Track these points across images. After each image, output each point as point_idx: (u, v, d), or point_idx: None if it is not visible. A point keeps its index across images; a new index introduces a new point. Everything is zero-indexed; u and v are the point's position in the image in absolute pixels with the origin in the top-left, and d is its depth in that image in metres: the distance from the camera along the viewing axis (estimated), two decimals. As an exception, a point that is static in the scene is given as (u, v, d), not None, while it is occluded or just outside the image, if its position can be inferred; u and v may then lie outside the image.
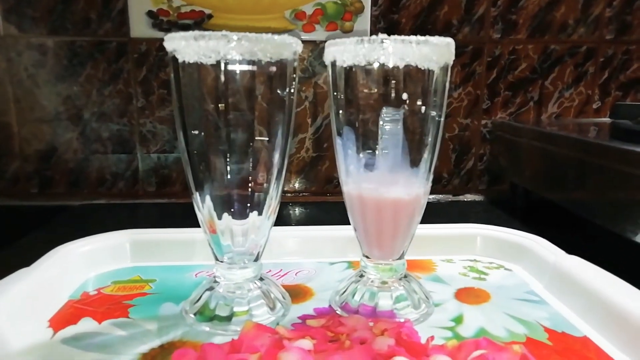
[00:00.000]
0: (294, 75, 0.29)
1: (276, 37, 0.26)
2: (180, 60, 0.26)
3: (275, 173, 0.29)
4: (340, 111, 0.29)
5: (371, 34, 0.60)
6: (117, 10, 0.58)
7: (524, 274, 0.38)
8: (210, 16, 0.59)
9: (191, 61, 0.26)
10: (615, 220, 0.40)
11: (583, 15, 0.61)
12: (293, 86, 0.29)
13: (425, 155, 0.29)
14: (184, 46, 0.25)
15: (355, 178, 0.30)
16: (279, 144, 0.29)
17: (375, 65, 0.26)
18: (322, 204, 0.63)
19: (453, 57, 0.28)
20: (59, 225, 0.53)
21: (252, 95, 0.27)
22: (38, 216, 0.58)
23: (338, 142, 0.30)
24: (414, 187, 0.29)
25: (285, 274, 0.38)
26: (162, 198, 0.63)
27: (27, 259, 0.33)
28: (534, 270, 0.37)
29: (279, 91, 0.28)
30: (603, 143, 0.42)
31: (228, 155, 0.28)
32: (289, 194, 0.64)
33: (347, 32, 0.60)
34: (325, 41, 0.59)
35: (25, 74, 0.59)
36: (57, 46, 0.59)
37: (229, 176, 0.28)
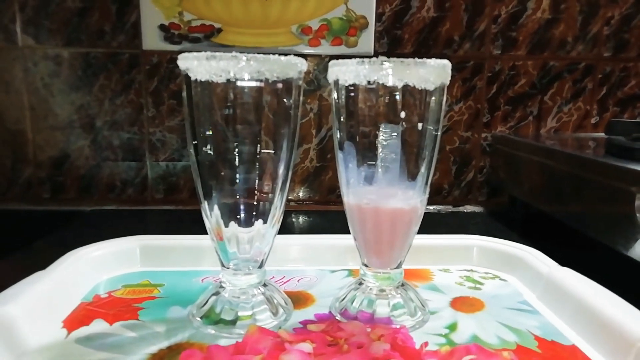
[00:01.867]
0: (299, 93, 0.30)
1: (282, 58, 0.28)
2: (192, 79, 0.28)
3: (280, 183, 0.31)
4: (342, 126, 0.31)
5: (375, 50, 0.62)
6: (131, 23, 0.60)
7: (519, 284, 0.39)
8: (219, 30, 0.61)
9: (203, 79, 0.27)
10: (608, 234, 0.41)
11: (581, 32, 0.63)
12: (298, 102, 0.30)
13: (423, 169, 0.30)
14: (197, 65, 0.27)
15: (355, 190, 0.31)
16: (284, 156, 0.31)
17: (375, 85, 0.28)
18: (324, 213, 0.64)
19: (449, 78, 0.30)
20: (70, 230, 0.55)
21: (260, 111, 0.29)
22: (50, 221, 0.60)
23: (339, 155, 0.32)
24: (411, 199, 0.30)
25: (288, 280, 0.39)
26: (169, 205, 0.65)
27: (42, 262, 0.35)
28: (528, 281, 0.39)
29: (285, 107, 0.30)
30: (597, 159, 0.44)
31: (236, 166, 0.30)
32: (293, 203, 0.66)
33: (352, 47, 0.62)
34: (330, 56, 0.62)
35: (41, 83, 0.61)
36: (72, 57, 0.61)
37: (236, 186, 0.30)
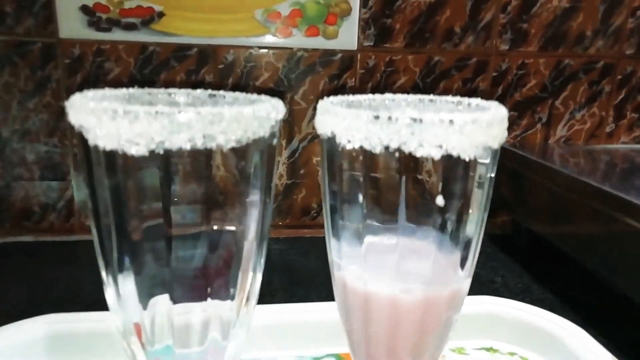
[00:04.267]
0: (273, 153, 0.19)
1: (245, 110, 0.16)
2: (91, 144, 0.16)
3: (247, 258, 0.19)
4: (340, 210, 0.20)
5: (359, 43, 0.50)
6: (41, 3, 0.46)
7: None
8: (161, 14, 0.47)
9: (108, 148, 0.15)
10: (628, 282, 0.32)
11: (602, 25, 0.53)
12: (272, 166, 0.19)
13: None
14: (96, 125, 0.15)
15: (358, 264, 0.20)
16: (251, 230, 0.19)
17: (397, 154, 0.17)
18: (297, 240, 0.54)
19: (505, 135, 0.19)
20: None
21: (208, 186, 0.17)
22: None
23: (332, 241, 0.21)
24: (450, 278, 0.20)
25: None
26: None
27: None
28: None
29: (248, 175, 0.18)
30: (620, 195, 0.35)
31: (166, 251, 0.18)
32: (258, 227, 0.54)
33: (331, 38, 0.49)
34: (304, 50, 0.50)
35: None
36: (-38, 46, 0.46)
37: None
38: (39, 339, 0.30)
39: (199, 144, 0.15)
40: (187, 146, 0.15)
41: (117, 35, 0.47)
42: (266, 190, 0.19)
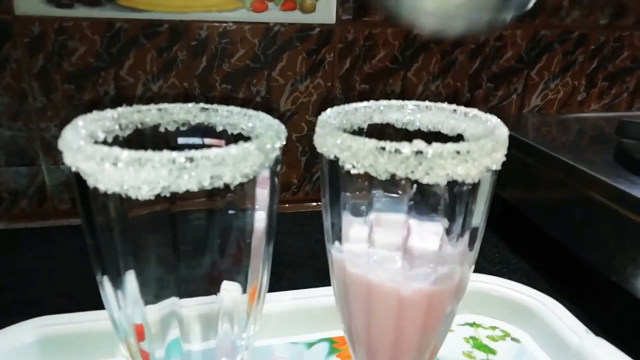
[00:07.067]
0: (276, 180, 0.18)
1: (251, 147, 0.15)
2: (90, 187, 0.15)
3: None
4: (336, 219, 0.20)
5: (337, 17, 0.48)
6: (-9, -24, 0.42)
7: (535, 348, 0.33)
8: (126, -12, 0.44)
9: (110, 192, 0.15)
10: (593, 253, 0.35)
11: (579, -5, 0.53)
12: (275, 193, 0.19)
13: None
14: (96, 171, 0.15)
15: (361, 252, 0.20)
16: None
17: (404, 182, 0.17)
18: (279, 216, 0.54)
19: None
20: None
21: (212, 234, 0.17)
22: None
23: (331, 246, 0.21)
24: (455, 264, 0.20)
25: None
26: (79, 217, 0.51)
27: None
28: (546, 345, 0.32)
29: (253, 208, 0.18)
30: (602, 179, 0.36)
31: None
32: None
33: (308, 12, 0.48)
34: (280, 24, 0.48)
35: None
36: None
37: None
38: (30, 344, 0.29)
39: (206, 184, 0.15)
40: (195, 188, 0.15)
41: (80, 11, 0.44)
42: (271, 216, 0.19)
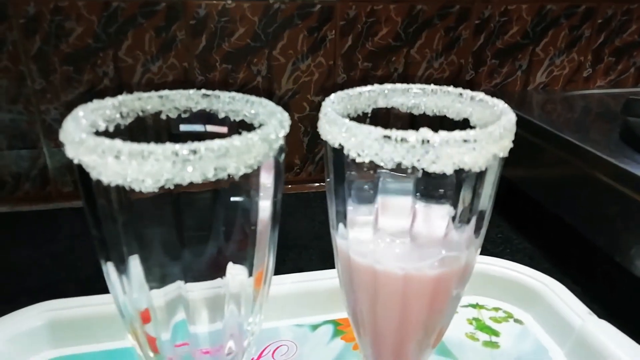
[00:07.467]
0: (280, 171, 0.18)
1: (254, 137, 0.15)
2: (93, 179, 0.15)
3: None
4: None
5: (340, -7, 0.47)
6: (-16, -45, 0.41)
7: (539, 330, 0.33)
8: (122, -35, 0.43)
9: (113, 184, 0.15)
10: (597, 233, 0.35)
11: (587, -33, 0.52)
12: (278, 184, 0.19)
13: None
14: (99, 164, 0.14)
15: (365, 237, 0.20)
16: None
17: (410, 171, 0.17)
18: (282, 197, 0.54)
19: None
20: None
21: (215, 221, 0.17)
22: None
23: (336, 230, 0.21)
24: (461, 249, 0.20)
25: (260, 356, 0.30)
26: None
27: None
28: (550, 327, 0.33)
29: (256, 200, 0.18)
30: (606, 158, 0.36)
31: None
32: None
33: (309, -12, 0.46)
34: (282, 1, 0.47)
35: None
36: None
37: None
38: (37, 328, 0.30)
39: (210, 176, 0.15)
40: (199, 180, 0.15)
41: (76, -10, 0.43)
42: (275, 202, 0.19)
